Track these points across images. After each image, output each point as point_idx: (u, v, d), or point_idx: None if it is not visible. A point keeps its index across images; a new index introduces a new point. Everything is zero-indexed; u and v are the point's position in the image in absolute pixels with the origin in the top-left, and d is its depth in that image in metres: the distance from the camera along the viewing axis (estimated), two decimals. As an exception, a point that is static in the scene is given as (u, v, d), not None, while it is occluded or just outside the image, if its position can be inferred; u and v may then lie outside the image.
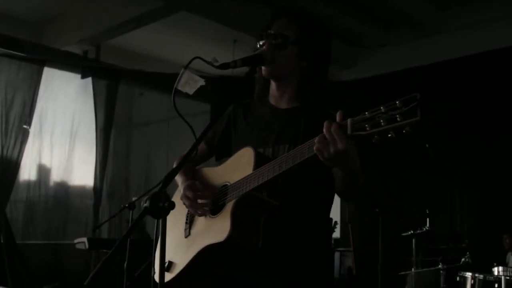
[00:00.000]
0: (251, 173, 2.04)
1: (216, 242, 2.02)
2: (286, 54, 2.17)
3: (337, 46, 8.28)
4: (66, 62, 7.94)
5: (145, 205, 1.73)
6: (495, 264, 5.12)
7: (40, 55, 7.49)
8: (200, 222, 2.24)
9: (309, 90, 2.21)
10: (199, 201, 2.22)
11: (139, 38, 7.95)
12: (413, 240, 5.76)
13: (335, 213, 7.46)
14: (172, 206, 1.73)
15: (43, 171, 8.03)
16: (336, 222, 6.61)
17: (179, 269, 2.19)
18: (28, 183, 7.74)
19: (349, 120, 1.69)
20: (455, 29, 7.54)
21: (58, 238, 7.70)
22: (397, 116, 1.55)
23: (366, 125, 1.62)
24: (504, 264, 5.30)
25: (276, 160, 1.96)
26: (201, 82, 1.95)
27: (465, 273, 5.17)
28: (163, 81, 6.86)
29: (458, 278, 5.22)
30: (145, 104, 8.51)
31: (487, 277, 5.01)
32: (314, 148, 1.76)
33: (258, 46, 2.22)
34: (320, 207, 2.19)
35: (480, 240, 6.60)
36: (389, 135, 1.59)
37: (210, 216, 2.19)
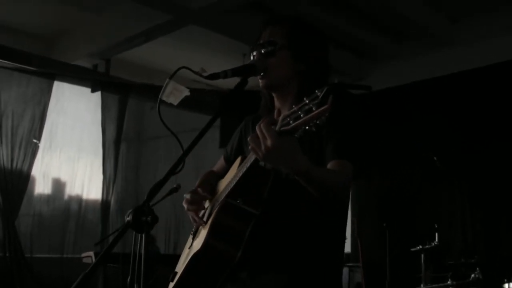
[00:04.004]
0: (229, 181, 2.05)
1: (196, 251, 2.01)
2: (278, 61, 2.11)
3: (349, 59, 8.28)
4: (76, 76, 7.96)
5: (127, 219, 1.70)
6: (505, 280, 5.02)
7: (50, 69, 7.52)
8: (201, 233, 2.24)
9: (310, 93, 2.16)
10: (193, 214, 2.24)
11: (148, 52, 7.98)
12: (422, 255, 5.67)
13: (345, 227, 7.41)
14: (155, 220, 1.69)
15: (57, 185, 8.09)
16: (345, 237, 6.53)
17: (176, 279, 2.19)
18: (44, 197, 7.80)
19: (281, 116, 1.63)
20: (467, 41, 7.46)
21: (69, 252, 7.71)
22: (313, 106, 1.48)
23: (289, 120, 1.57)
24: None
25: (241, 164, 1.95)
26: (186, 92, 1.92)
27: (475, 289, 5.08)
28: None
29: (468, 294, 5.13)
30: (155, 118, 8.50)
31: (498, 293, 4.92)
32: (249, 147, 1.73)
33: (252, 58, 2.19)
34: (317, 219, 2.08)
35: (490, 255, 6.49)
36: (307, 128, 1.53)
37: (204, 227, 2.19)
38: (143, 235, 1.71)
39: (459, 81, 7.31)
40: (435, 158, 5.80)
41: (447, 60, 7.61)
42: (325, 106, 1.45)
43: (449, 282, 5.39)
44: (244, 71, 2.04)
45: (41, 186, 7.84)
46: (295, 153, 1.72)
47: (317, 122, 1.50)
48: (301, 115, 1.52)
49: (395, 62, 8.26)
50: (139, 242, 1.72)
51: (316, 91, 1.49)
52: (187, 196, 2.25)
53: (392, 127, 7.75)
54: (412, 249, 5.75)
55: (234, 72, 2.00)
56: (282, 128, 1.62)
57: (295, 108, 1.55)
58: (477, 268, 5.36)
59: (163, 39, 7.35)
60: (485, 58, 7.11)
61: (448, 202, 7.28)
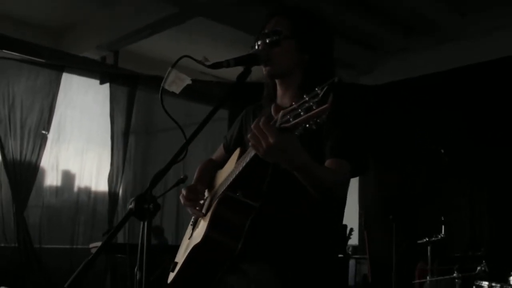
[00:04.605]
0: (228, 174, 2.05)
1: (197, 243, 2.01)
2: (282, 50, 2.11)
3: (355, 51, 8.25)
4: (85, 68, 7.99)
5: (130, 206, 1.70)
6: (511, 272, 4.99)
7: (59, 61, 7.55)
8: (200, 223, 2.25)
9: (312, 84, 2.15)
10: (190, 208, 2.25)
11: (157, 44, 8.00)
12: (429, 248, 5.66)
13: (352, 219, 7.43)
14: (157, 208, 1.70)
15: (66, 177, 8.14)
16: (352, 229, 6.54)
17: (177, 270, 2.19)
18: (53, 189, 7.87)
19: (281, 113, 1.63)
20: (476, 35, 7.43)
21: (78, 243, 7.77)
22: (313, 105, 1.48)
23: (289, 117, 1.57)
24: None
25: (241, 158, 1.95)
26: (188, 81, 1.92)
27: (481, 282, 5.04)
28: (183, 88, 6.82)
29: (474, 287, 5.10)
30: (163, 110, 8.50)
31: (504, 286, 4.89)
32: (250, 144, 1.73)
33: (256, 48, 2.18)
34: (315, 212, 2.08)
35: (497, 248, 6.46)
36: (307, 126, 1.53)
37: (204, 219, 2.20)
38: (145, 223, 1.71)
39: (467, 75, 7.28)
40: (442, 151, 5.78)
41: (455, 54, 7.57)
42: (325, 106, 1.45)
43: (455, 275, 5.37)
44: (247, 61, 2.02)
45: (51, 178, 7.90)
46: (296, 150, 1.72)
47: (317, 120, 1.50)
48: (301, 113, 1.52)
49: (403, 55, 8.24)
50: (145, 232, 1.73)
51: (316, 88, 1.49)
52: (184, 192, 2.26)
53: (400, 120, 7.73)
54: (419, 242, 5.75)
55: (237, 62, 1.98)
56: (282, 125, 1.62)
57: (295, 105, 1.55)
58: (483, 261, 5.34)
59: (171, 31, 7.36)
60: (494, 52, 7.07)
61: (454, 194, 7.26)
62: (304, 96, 1.52)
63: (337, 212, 2.18)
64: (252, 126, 1.69)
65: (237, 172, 1.98)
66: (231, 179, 2.02)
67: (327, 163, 1.98)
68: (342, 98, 1.92)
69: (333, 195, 1.99)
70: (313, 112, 1.48)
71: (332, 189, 1.94)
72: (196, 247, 2.02)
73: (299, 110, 1.53)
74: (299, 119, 1.53)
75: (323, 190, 1.90)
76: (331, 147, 2.00)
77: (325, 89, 1.47)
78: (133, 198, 1.71)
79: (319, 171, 1.87)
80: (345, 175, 1.97)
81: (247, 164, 1.92)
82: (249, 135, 1.71)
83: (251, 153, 1.87)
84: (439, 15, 7.35)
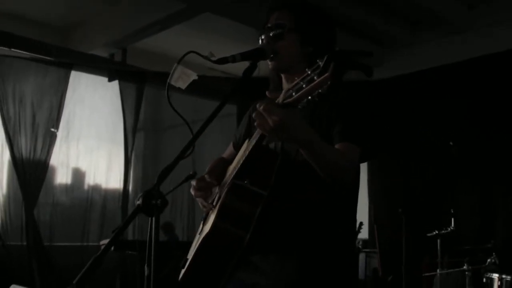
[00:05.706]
0: (235, 164, 2.05)
1: (205, 234, 1.99)
2: (286, 43, 2.12)
3: (363, 46, 8.19)
4: (93, 66, 8.01)
5: (138, 202, 1.71)
6: (523, 265, 4.99)
7: (67, 59, 7.57)
8: (210, 217, 2.21)
9: None
10: (201, 201, 2.23)
11: (164, 40, 7.98)
12: (438, 241, 5.64)
13: (362, 213, 7.41)
14: (165, 203, 1.70)
15: (76, 175, 8.17)
16: (361, 223, 6.53)
17: (187, 264, 2.17)
18: (63, 186, 7.93)
19: (284, 89, 1.66)
20: (483, 27, 7.38)
21: (89, 241, 7.80)
22: (315, 76, 1.50)
23: (292, 91, 1.60)
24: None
25: (247, 143, 1.97)
26: (194, 76, 1.93)
27: (491, 274, 5.03)
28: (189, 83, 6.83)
29: (484, 280, 5.08)
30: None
31: (515, 278, 4.87)
32: (255, 124, 1.73)
33: (260, 42, 2.20)
34: (322, 198, 2.05)
35: (507, 240, 6.43)
36: (310, 98, 1.55)
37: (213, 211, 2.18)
38: (153, 218, 1.72)
39: (475, 67, 7.23)
40: (451, 143, 5.77)
41: (463, 46, 7.53)
42: (326, 74, 1.47)
43: (465, 267, 5.36)
44: (253, 55, 2.04)
45: (61, 176, 7.93)
46: (300, 125, 1.73)
47: (320, 91, 1.52)
48: (304, 86, 1.55)
49: (411, 49, 8.19)
50: (153, 228, 1.73)
51: (318, 60, 1.50)
52: (194, 183, 2.23)
53: (409, 113, 7.71)
54: (428, 234, 5.73)
55: (242, 56, 1.99)
56: (285, 101, 1.64)
57: (297, 80, 1.58)
58: (494, 253, 5.32)
59: (179, 27, 7.34)
60: (502, 44, 7.03)
61: (464, 187, 7.23)
62: (306, 69, 1.54)
63: (347, 201, 2.15)
64: (257, 105, 1.69)
65: (243, 159, 1.98)
66: (238, 166, 2.01)
67: (336, 147, 1.98)
68: (349, 89, 1.93)
69: (339, 176, 1.94)
70: (315, 82, 1.50)
71: (338, 169, 1.91)
72: (204, 239, 1.99)
73: (302, 83, 1.55)
74: (302, 91, 1.56)
75: (330, 170, 1.89)
76: (339, 131, 2.00)
77: (325, 59, 1.48)
78: (140, 194, 1.71)
79: (325, 149, 1.86)
80: (353, 159, 1.96)
81: (253, 148, 1.92)
82: (253, 114, 1.71)
83: (256, 136, 1.89)
84: (446, 8, 7.29)
